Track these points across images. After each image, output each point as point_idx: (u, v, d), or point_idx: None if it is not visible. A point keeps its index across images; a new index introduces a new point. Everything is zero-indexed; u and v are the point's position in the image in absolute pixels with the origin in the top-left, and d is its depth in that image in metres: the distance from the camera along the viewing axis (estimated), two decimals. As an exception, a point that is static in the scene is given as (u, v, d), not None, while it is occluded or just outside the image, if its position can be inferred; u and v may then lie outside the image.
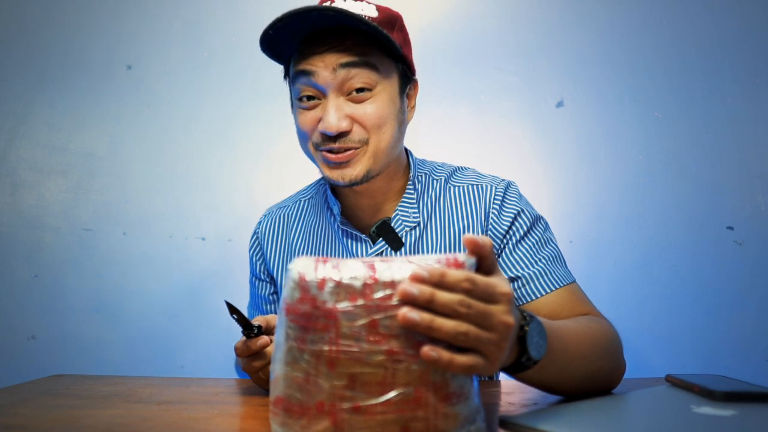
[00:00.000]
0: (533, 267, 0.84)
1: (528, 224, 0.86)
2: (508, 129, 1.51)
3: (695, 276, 1.43)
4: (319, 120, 0.77)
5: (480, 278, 0.46)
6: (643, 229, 1.45)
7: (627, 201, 1.46)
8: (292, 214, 0.99)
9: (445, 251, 0.84)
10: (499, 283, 0.47)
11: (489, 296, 0.46)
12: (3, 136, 1.51)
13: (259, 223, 1.04)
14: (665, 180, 1.46)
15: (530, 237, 0.86)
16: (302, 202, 0.99)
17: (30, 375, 0.88)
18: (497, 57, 1.52)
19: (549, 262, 0.84)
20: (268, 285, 1.01)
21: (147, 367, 1.43)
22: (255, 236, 1.04)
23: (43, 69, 1.53)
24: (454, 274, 0.45)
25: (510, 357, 0.52)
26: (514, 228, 0.86)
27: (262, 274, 1.01)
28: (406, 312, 0.44)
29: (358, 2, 0.78)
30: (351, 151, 0.77)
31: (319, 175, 1.02)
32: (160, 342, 1.44)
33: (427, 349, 0.44)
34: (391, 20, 0.80)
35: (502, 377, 0.90)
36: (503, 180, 0.91)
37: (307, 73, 0.75)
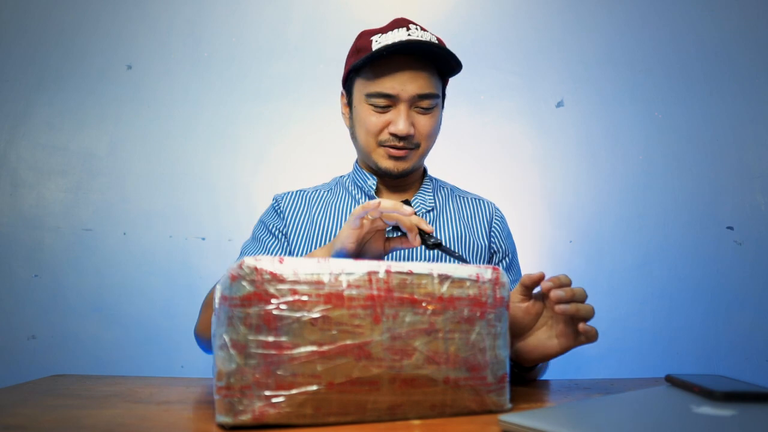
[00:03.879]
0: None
1: (512, 252, 1.07)
2: (508, 129, 1.51)
3: (695, 276, 1.43)
4: (388, 122, 0.94)
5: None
6: (643, 229, 1.45)
7: (627, 201, 1.46)
8: (314, 196, 1.06)
9: (456, 235, 1.00)
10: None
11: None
12: (3, 136, 1.51)
13: (279, 196, 1.07)
14: (665, 180, 1.46)
15: (513, 262, 1.07)
16: (321, 190, 1.08)
17: (30, 375, 0.88)
18: (497, 57, 1.52)
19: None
20: (275, 241, 1.01)
21: (147, 367, 1.43)
22: (275, 202, 1.07)
23: (43, 69, 1.53)
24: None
25: None
26: (507, 245, 1.06)
27: (275, 229, 1.02)
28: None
29: (426, 32, 0.94)
30: (407, 150, 0.95)
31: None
32: (160, 342, 1.45)
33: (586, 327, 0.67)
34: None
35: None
36: (497, 208, 1.10)
37: (389, 95, 0.92)
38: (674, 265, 1.43)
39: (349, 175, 1.08)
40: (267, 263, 0.51)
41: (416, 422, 0.54)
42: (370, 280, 0.53)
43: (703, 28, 1.49)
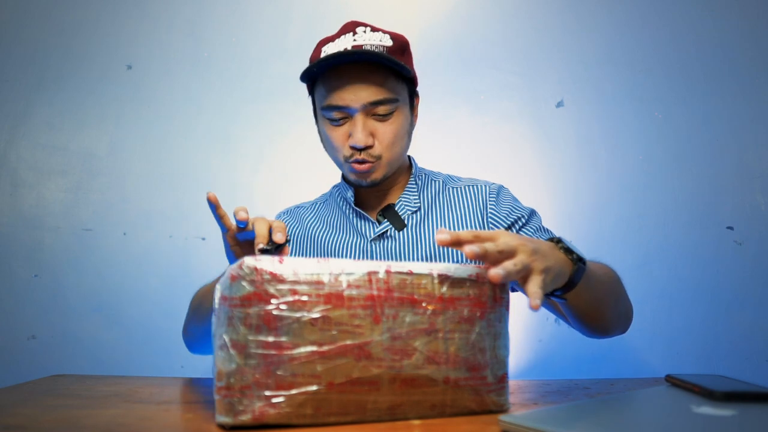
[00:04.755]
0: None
1: (526, 216, 0.97)
2: (508, 129, 1.51)
3: (695, 276, 1.43)
4: (348, 135, 0.90)
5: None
6: (643, 229, 1.45)
7: (627, 201, 1.46)
8: (308, 211, 1.08)
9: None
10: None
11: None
12: (3, 136, 1.51)
13: (278, 215, 1.10)
14: (665, 180, 1.46)
15: (531, 225, 0.97)
16: (318, 204, 1.09)
17: (30, 375, 0.88)
18: (497, 57, 1.52)
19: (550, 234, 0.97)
20: None
21: (147, 367, 1.43)
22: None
23: (43, 69, 1.53)
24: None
25: (565, 268, 0.65)
26: (513, 219, 0.96)
27: None
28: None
29: (376, 33, 0.91)
30: (369, 164, 0.91)
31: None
32: (160, 342, 1.44)
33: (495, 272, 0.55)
34: (403, 46, 0.93)
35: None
36: (495, 183, 1.03)
37: (340, 108, 0.89)
38: (674, 265, 1.43)
39: (338, 185, 1.07)
40: (267, 263, 0.51)
41: (416, 422, 0.54)
42: (370, 280, 0.53)
43: (703, 28, 1.49)
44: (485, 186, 1.00)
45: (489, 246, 0.57)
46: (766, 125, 1.45)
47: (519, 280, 0.59)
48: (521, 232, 0.95)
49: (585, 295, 0.73)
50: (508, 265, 0.56)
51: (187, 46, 1.55)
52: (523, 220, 0.96)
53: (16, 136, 1.51)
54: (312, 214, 1.05)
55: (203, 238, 1.49)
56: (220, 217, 0.79)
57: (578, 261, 0.66)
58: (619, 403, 0.58)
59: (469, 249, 0.55)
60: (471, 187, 1.00)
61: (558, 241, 0.67)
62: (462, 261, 0.92)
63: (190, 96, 1.53)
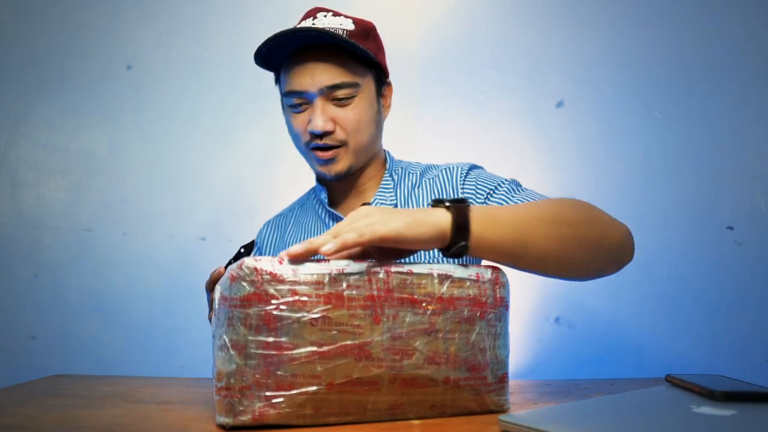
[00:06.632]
0: (512, 199, 0.86)
1: (497, 184, 0.89)
2: (508, 129, 1.51)
3: (695, 276, 1.42)
4: (309, 122, 0.87)
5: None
6: (643, 229, 1.45)
7: (627, 201, 1.46)
8: (288, 219, 1.05)
9: None
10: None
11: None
12: (3, 136, 1.51)
13: (260, 231, 1.08)
14: (665, 180, 1.46)
15: (499, 191, 0.88)
16: (296, 209, 1.07)
17: (30, 375, 0.88)
18: (497, 57, 1.52)
19: (531, 194, 0.87)
20: None
21: (147, 367, 1.43)
22: (256, 246, 1.08)
23: (43, 69, 1.53)
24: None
25: (430, 219, 0.58)
26: (485, 191, 0.89)
27: None
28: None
29: (338, 17, 0.89)
30: (334, 150, 0.88)
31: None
32: (160, 342, 1.44)
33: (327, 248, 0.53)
34: (366, 31, 0.91)
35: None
36: (468, 162, 0.97)
37: (299, 93, 0.86)
38: (674, 265, 1.43)
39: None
40: (267, 264, 0.51)
41: (416, 422, 0.54)
42: (370, 280, 0.53)
43: (703, 28, 1.49)
44: (457, 167, 0.94)
45: (348, 236, 0.55)
46: (766, 125, 1.45)
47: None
48: (489, 201, 0.88)
49: (509, 249, 0.62)
50: (317, 240, 0.54)
51: (187, 46, 1.55)
52: (494, 190, 0.89)
53: (16, 136, 1.51)
54: (291, 223, 1.03)
55: (203, 238, 1.49)
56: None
57: (457, 209, 0.59)
58: (619, 403, 0.58)
59: (326, 248, 0.53)
60: (445, 170, 0.95)
61: (455, 201, 0.61)
62: (442, 259, 0.84)
63: (190, 96, 1.53)
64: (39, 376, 0.85)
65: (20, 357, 1.44)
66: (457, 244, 0.59)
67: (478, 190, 0.89)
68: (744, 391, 0.56)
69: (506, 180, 0.90)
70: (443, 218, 0.59)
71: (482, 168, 0.98)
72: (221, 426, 0.51)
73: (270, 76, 1.41)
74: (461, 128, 1.51)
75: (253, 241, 0.74)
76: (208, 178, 1.51)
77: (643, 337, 1.42)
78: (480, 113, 1.51)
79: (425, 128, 1.48)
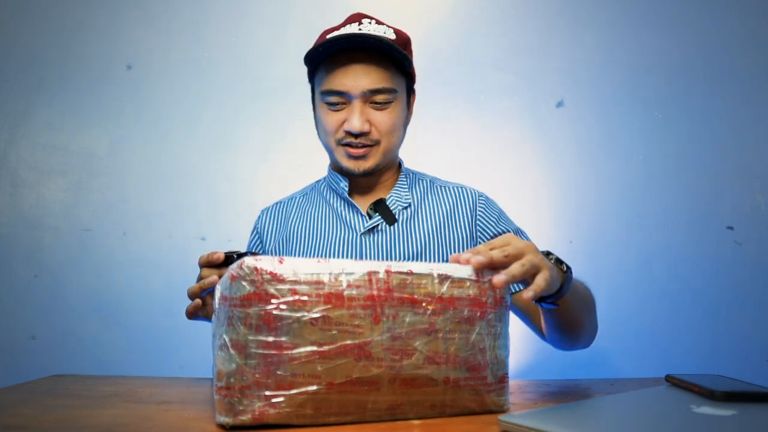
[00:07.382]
0: None
1: (513, 231, 1.00)
2: (508, 129, 1.51)
3: (695, 276, 1.43)
4: (344, 120, 0.92)
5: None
6: (643, 229, 1.45)
7: (627, 201, 1.46)
8: (289, 206, 1.06)
9: (434, 229, 0.96)
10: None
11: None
12: (3, 136, 1.51)
13: (258, 218, 1.09)
14: (665, 180, 1.46)
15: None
16: (297, 197, 1.08)
17: (30, 375, 0.88)
18: (497, 57, 1.52)
19: None
20: None
21: (147, 367, 1.43)
22: (255, 231, 1.08)
23: (43, 69, 1.53)
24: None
25: (557, 276, 0.66)
26: (501, 229, 0.99)
27: (256, 251, 1.05)
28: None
29: (381, 26, 0.93)
30: (366, 148, 0.93)
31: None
32: (160, 342, 1.45)
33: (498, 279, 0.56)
34: (404, 41, 0.95)
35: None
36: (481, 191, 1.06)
37: (340, 92, 0.90)
38: (674, 265, 1.43)
39: (324, 179, 1.07)
40: (267, 263, 0.51)
41: (416, 422, 0.54)
42: (370, 280, 0.53)
43: (703, 28, 1.49)
44: (473, 191, 1.03)
45: (495, 253, 0.58)
46: (766, 125, 1.45)
47: (529, 278, 0.60)
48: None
49: (569, 305, 0.75)
50: (514, 268, 0.58)
51: (187, 46, 1.55)
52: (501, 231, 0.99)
53: (16, 136, 1.51)
54: (294, 210, 1.05)
55: (203, 238, 1.49)
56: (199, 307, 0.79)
57: (568, 270, 0.69)
58: (619, 403, 0.58)
59: (475, 260, 0.57)
60: (459, 189, 1.03)
61: (548, 253, 0.69)
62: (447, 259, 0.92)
63: (190, 96, 1.53)
64: (39, 376, 0.85)
65: (20, 357, 1.44)
66: (552, 298, 0.68)
67: (498, 224, 0.98)
68: (744, 391, 0.56)
69: (516, 228, 1.01)
70: (558, 278, 0.66)
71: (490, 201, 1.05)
72: (221, 426, 0.51)
73: (270, 76, 1.42)
74: (461, 128, 1.51)
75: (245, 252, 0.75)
76: (208, 178, 1.51)
77: (643, 337, 1.42)
78: (480, 113, 1.51)
79: (425, 128, 1.48)
